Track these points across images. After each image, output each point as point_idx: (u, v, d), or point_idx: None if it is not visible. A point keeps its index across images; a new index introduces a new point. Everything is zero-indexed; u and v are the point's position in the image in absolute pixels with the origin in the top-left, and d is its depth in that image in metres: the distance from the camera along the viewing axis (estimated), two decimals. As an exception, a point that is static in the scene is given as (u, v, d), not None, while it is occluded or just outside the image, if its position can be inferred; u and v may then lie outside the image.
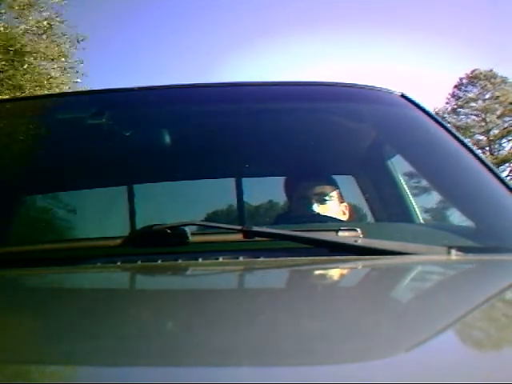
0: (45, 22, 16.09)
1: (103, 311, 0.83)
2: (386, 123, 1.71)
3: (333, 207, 1.75)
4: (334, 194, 1.76)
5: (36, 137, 1.72)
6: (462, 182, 1.50)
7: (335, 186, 1.79)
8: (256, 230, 1.17)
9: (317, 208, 1.73)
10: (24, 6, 15.73)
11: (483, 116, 31.00)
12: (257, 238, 1.17)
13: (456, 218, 1.47)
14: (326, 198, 1.75)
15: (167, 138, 1.66)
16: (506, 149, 31.47)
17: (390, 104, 1.67)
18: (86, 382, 0.56)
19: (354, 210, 1.81)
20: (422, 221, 1.72)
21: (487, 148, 31.05)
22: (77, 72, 17.03)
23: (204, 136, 1.72)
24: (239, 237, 1.17)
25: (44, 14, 16.36)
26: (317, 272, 1.17)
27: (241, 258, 1.16)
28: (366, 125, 1.76)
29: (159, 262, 1.16)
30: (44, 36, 16.24)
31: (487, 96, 31.15)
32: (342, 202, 1.78)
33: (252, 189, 1.89)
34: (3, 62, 15.26)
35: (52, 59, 16.33)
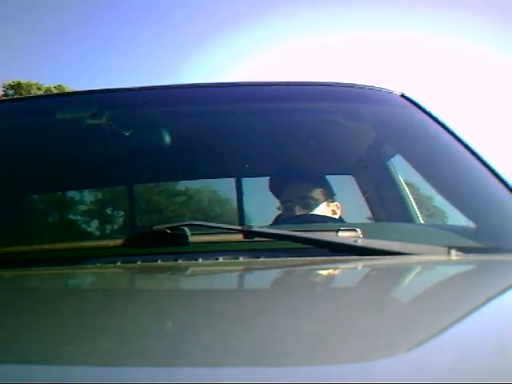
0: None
1: (103, 311, 0.83)
2: (386, 123, 1.71)
3: (320, 208, 1.74)
4: (319, 194, 1.75)
5: (36, 137, 1.72)
6: (462, 182, 1.50)
7: (322, 186, 1.78)
8: (256, 230, 1.17)
9: (301, 212, 1.72)
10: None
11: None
12: (257, 238, 1.17)
13: (456, 218, 1.47)
14: (310, 200, 1.74)
15: (167, 138, 1.66)
16: None
17: (390, 104, 1.67)
18: (86, 382, 0.56)
19: (354, 210, 1.81)
20: (421, 221, 1.72)
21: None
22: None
23: (204, 136, 1.72)
24: (239, 237, 1.17)
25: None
26: (317, 272, 1.17)
27: (241, 258, 1.16)
28: (366, 125, 1.76)
29: (159, 262, 1.16)
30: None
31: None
32: (332, 202, 1.77)
33: (252, 189, 1.89)
34: None
35: None
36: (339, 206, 1.76)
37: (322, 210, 1.74)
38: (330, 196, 1.76)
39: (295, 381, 0.55)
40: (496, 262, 1.21)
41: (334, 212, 1.76)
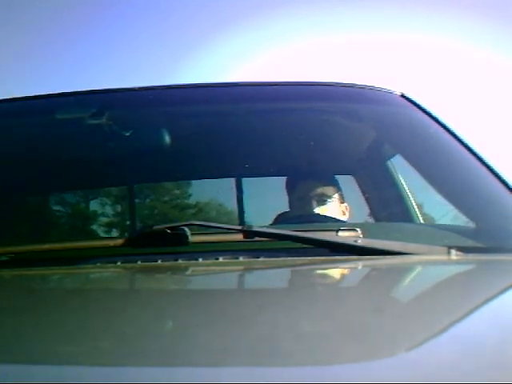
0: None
1: (103, 311, 0.83)
2: (386, 123, 1.71)
3: (333, 208, 1.75)
4: (335, 194, 1.76)
5: (36, 137, 1.72)
6: (462, 182, 1.51)
7: (336, 186, 1.79)
8: (256, 230, 1.17)
9: (317, 209, 1.73)
10: None
11: None
12: (257, 238, 1.17)
13: (456, 217, 1.47)
14: (327, 198, 1.75)
15: (167, 138, 1.66)
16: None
17: (390, 104, 1.67)
18: (86, 382, 0.56)
19: (354, 210, 1.81)
20: (422, 221, 1.72)
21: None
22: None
23: (204, 136, 1.72)
24: (239, 237, 1.17)
25: None
26: (317, 272, 1.17)
27: (241, 258, 1.16)
28: (366, 125, 1.76)
29: (159, 262, 1.16)
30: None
31: None
32: (342, 203, 1.78)
33: (252, 189, 1.89)
34: None
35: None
36: (347, 207, 1.77)
37: (335, 209, 1.75)
38: (341, 197, 1.77)
39: (295, 381, 0.55)
40: (496, 261, 1.21)
41: (344, 213, 1.76)
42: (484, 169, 1.44)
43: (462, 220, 1.46)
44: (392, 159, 1.82)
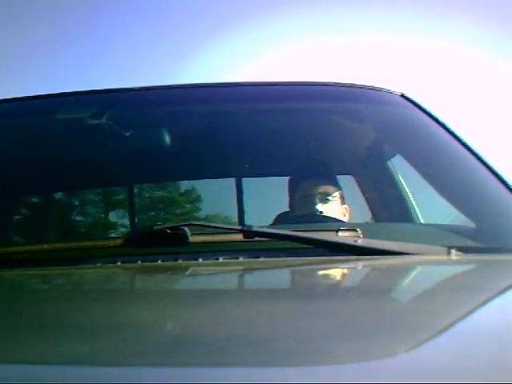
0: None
1: (103, 311, 0.83)
2: (386, 123, 1.71)
3: (334, 208, 1.74)
4: (337, 194, 1.76)
5: (36, 137, 1.72)
6: (462, 182, 1.51)
7: (338, 186, 1.79)
8: (256, 230, 1.17)
9: (319, 207, 1.73)
10: None
11: None
12: (257, 238, 1.17)
13: (456, 217, 1.47)
14: (329, 197, 1.75)
15: (167, 138, 1.66)
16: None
17: (390, 104, 1.67)
18: (86, 382, 0.56)
19: (354, 211, 1.81)
20: (421, 221, 1.72)
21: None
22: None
23: (204, 136, 1.72)
24: (239, 237, 1.17)
25: None
26: (317, 272, 1.17)
27: (241, 258, 1.16)
28: (366, 125, 1.76)
29: (159, 262, 1.16)
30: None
31: None
32: (343, 204, 1.77)
33: (252, 189, 1.89)
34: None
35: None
36: (348, 209, 1.77)
37: (337, 209, 1.74)
38: (342, 198, 1.77)
39: (295, 381, 0.55)
40: (496, 261, 1.21)
41: (344, 214, 1.76)
42: (484, 169, 1.44)
43: (461, 220, 1.46)
44: (392, 159, 1.82)
